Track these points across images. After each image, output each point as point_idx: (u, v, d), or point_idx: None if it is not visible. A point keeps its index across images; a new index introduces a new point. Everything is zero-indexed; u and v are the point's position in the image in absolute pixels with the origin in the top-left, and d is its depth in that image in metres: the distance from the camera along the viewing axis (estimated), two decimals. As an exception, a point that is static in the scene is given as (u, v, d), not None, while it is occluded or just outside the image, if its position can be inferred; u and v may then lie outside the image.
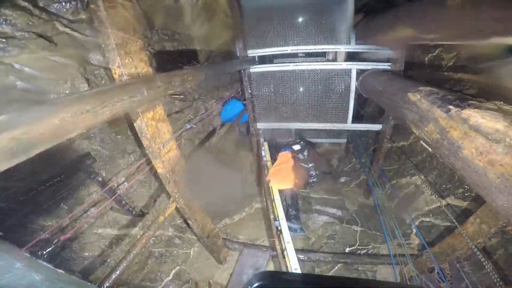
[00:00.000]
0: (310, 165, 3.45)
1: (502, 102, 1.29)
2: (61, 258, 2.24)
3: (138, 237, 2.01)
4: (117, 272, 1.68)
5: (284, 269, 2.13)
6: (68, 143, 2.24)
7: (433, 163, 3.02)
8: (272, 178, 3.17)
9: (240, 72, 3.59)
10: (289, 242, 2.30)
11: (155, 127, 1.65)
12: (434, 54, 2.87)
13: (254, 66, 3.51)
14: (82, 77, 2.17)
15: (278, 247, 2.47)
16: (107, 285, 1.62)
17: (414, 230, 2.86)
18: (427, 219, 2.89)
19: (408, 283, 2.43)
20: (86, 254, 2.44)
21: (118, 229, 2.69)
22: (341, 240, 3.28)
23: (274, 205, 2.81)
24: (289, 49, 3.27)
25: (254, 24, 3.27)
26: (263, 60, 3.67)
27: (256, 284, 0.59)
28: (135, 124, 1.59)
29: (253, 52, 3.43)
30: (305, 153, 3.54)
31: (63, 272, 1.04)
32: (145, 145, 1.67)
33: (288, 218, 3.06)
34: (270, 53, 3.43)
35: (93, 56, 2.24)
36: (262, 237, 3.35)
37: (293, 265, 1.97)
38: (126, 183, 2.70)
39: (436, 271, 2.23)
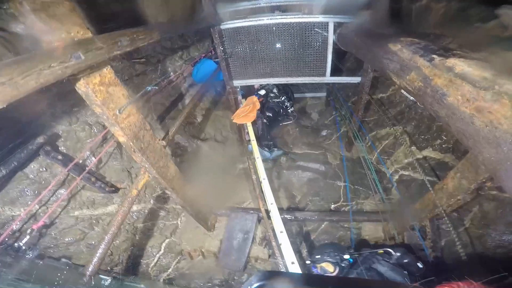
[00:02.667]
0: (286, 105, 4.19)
1: (488, 53, 1.21)
2: (43, 246, 2.14)
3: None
4: (98, 254, 1.62)
5: (270, 231, 2.15)
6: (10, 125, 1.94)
7: (411, 113, 3.03)
8: (236, 118, 3.77)
9: (210, 29, 3.25)
10: (273, 203, 2.29)
11: (106, 92, 1.44)
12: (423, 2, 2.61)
13: (226, 22, 3.22)
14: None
15: (263, 209, 2.48)
16: (91, 268, 1.57)
17: (394, 185, 2.89)
18: (407, 173, 2.91)
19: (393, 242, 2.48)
20: (68, 239, 2.34)
21: (95, 208, 2.56)
22: (325, 196, 3.35)
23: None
24: (263, 2, 3.11)
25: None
26: (235, 15, 3.33)
27: (256, 284, 0.59)
28: (80, 92, 1.37)
29: (223, 8, 3.10)
30: (268, 98, 4.14)
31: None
32: (98, 113, 1.46)
33: (261, 146, 3.78)
34: (241, 8, 3.19)
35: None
36: (248, 199, 3.39)
37: (278, 228, 1.96)
38: (93, 157, 2.47)
39: (416, 229, 2.19)
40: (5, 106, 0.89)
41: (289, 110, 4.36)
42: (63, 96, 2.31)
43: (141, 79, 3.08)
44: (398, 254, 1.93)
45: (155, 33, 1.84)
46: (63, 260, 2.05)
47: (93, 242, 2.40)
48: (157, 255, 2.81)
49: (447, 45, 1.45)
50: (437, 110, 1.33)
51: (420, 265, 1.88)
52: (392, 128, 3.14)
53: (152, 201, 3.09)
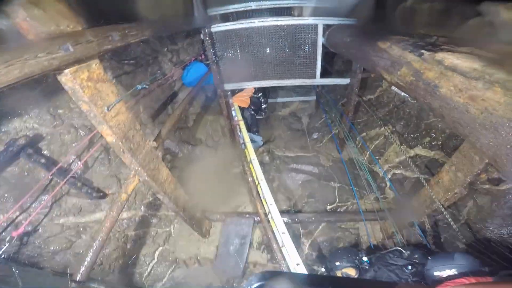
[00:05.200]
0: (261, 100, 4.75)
1: (473, 48, 1.26)
2: (25, 256, 1.99)
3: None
4: (86, 262, 1.53)
5: (270, 234, 2.11)
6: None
7: (399, 113, 3.11)
8: (235, 100, 4.26)
9: (200, 32, 3.25)
10: (272, 204, 2.26)
11: (94, 88, 1.38)
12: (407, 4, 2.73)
13: (216, 25, 3.22)
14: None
15: (260, 212, 2.44)
16: (79, 277, 1.48)
17: (388, 184, 2.92)
18: (399, 171, 2.96)
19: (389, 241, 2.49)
20: (53, 248, 2.19)
21: (82, 215, 2.42)
22: (321, 198, 3.33)
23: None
24: (254, 5, 3.09)
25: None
26: (226, 18, 3.42)
27: (256, 284, 0.60)
28: (66, 88, 1.31)
29: (214, 11, 3.14)
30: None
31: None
32: (85, 111, 1.39)
33: (252, 132, 4.17)
34: (233, 10, 3.18)
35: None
36: (243, 204, 3.33)
37: (280, 229, 1.92)
38: (78, 161, 2.36)
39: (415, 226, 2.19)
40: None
41: (262, 106, 4.83)
42: (47, 96, 2.21)
43: (130, 79, 3.00)
44: (408, 252, 1.92)
45: (147, 30, 1.81)
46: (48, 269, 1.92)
47: (81, 251, 2.27)
48: (151, 264, 2.68)
49: (434, 41, 1.51)
50: (430, 102, 1.36)
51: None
52: (382, 128, 3.21)
53: (143, 208, 2.97)
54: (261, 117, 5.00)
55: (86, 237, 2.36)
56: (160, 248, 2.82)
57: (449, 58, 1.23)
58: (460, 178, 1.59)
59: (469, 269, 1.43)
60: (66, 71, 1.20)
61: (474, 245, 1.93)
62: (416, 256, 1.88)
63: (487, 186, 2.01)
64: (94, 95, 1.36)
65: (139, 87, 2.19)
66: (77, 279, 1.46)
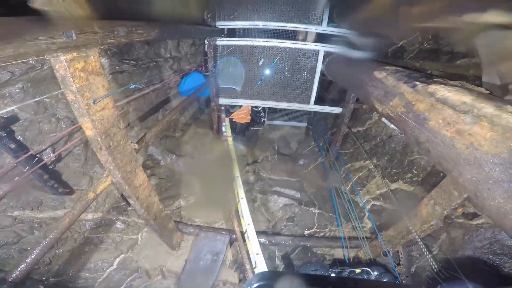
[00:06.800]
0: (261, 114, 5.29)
1: (464, 82, 1.33)
2: None
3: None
4: (29, 260, 1.33)
5: (244, 253, 2.00)
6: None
7: (385, 148, 3.20)
8: (235, 117, 4.60)
9: (205, 43, 3.33)
10: (250, 223, 2.17)
11: (85, 79, 1.31)
12: (398, 45, 2.97)
13: (222, 39, 3.30)
14: None
15: (237, 230, 2.33)
16: (16, 274, 1.28)
17: (367, 214, 2.97)
18: (378, 203, 3.02)
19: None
20: (-2, 241, 1.95)
21: (41, 211, 2.20)
22: (300, 222, 3.29)
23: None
24: (261, 24, 3.16)
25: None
26: (232, 33, 3.49)
27: (256, 284, 0.60)
28: (57, 74, 1.24)
29: (223, 24, 3.22)
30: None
31: None
32: (69, 100, 1.31)
33: (236, 139, 4.40)
34: (240, 27, 3.27)
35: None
36: (221, 221, 3.17)
37: (255, 249, 1.83)
38: (51, 153, 2.19)
39: (389, 255, 2.22)
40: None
41: (262, 120, 5.37)
42: (36, 81, 2.09)
43: (126, 79, 2.95)
44: (376, 273, 1.98)
45: (154, 31, 1.80)
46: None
47: (29, 248, 2.02)
48: (108, 270, 2.43)
49: (429, 74, 1.58)
50: (418, 135, 1.39)
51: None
52: (367, 161, 3.27)
53: (111, 212, 2.76)
54: (260, 128, 5.40)
55: (39, 233, 2.14)
56: (122, 255, 2.59)
57: (441, 91, 1.26)
58: (437, 211, 1.63)
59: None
60: (62, 58, 1.14)
61: (444, 275, 1.96)
62: (385, 280, 1.95)
63: (461, 220, 2.10)
64: (83, 86, 1.30)
65: (133, 85, 2.14)
66: (13, 276, 1.27)
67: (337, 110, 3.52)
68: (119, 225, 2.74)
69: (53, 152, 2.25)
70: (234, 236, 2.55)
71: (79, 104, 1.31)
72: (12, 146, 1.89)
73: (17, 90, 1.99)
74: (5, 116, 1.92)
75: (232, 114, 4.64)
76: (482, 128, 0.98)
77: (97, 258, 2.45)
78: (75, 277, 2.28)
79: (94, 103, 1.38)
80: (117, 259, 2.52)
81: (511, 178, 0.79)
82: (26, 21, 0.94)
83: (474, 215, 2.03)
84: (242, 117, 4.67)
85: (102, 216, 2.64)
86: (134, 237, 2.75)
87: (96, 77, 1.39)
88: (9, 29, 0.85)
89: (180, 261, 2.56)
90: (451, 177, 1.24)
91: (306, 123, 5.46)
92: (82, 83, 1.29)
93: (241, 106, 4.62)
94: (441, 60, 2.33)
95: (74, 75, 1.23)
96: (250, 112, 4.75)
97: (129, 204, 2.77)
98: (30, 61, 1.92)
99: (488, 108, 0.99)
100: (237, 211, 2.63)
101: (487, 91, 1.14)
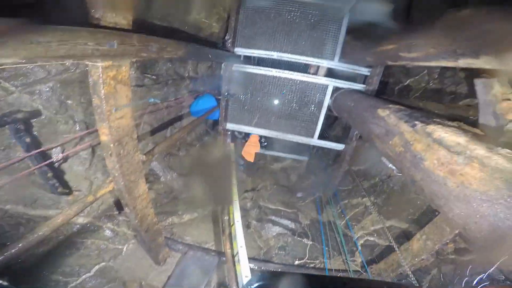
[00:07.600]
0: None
1: (461, 123, 1.42)
2: None
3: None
4: (8, 254, 1.31)
5: (232, 275, 1.94)
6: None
7: (383, 187, 3.24)
8: (244, 154, 4.65)
9: (221, 67, 3.53)
10: (242, 246, 2.13)
11: (113, 87, 1.43)
12: (405, 84, 3.17)
13: (238, 65, 3.48)
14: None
15: (228, 251, 2.28)
16: None
17: (358, 249, 2.96)
18: (372, 238, 3.02)
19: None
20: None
21: (34, 208, 2.19)
22: (291, 252, 3.22)
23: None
24: (276, 55, 3.35)
25: (248, 23, 3.31)
26: (247, 60, 3.66)
27: (256, 284, 0.60)
28: (90, 79, 1.36)
29: (241, 51, 3.42)
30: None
31: None
32: (94, 105, 1.42)
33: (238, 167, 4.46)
34: (256, 55, 3.47)
35: None
36: (211, 242, 3.09)
37: (244, 272, 1.79)
38: (60, 153, 2.24)
39: None
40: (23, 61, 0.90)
41: (264, 144, 5.43)
42: (65, 83, 2.24)
43: (144, 92, 3.11)
44: None
45: (181, 51, 1.96)
46: None
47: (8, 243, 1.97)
48: (84, 276, 2.30)
49: (429, 113, 1.64)
50: (413, 174, 1.44)
51: None
52: (364, 199, 3.29)
53: (103, 218, 2.72)
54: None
55: (25, 230, 2.08)
56: (103, 264, 2.47)
57: (438, 131, 1.33)
58: (429, 245, 1.68)
59: None
60: (99, 64, 1.27)
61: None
62: None
63: (453, 256, 2.08)
64: (109, 93, 1.41)
65: (152, 100, 2.28)
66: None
67: (339, 146, 3.59)
68: (107, 232, 2.67)
69: (62, 152, 2.32)
70: (224, 258, 2.47)
71: (102, 109, 1.42)
72: (28, 140, 1.96)
73: (47, 89, 2.13)
74: (30, 110, 2.03)
75: (242, 151, 4.66)
76: (472, 168, 1.05)
77: (75, 263, 2.34)
78: (46, 279, 2.16)
79: (115, 110, 1.48)
80: (96, 267, 2.41)
81: (496, 213, 0.83)
82: (85, 30, 1.08)
83: (466, 251, 2.02)
84: (250, 153, 4.67)
85: (92, 221, 2.60)
86: (120, 247, 2.67)
87: (123, 87, 1.52)
88: (64, 34, 0.97)
89: (162, 277, 2.46)
90: (443, 213, 1.28)
91: (307, 158, 5.53)
92: (110, 90, 1.42)
93: (247, 133, 4.69)
94: (444, 100, 2.48)
95: (105, 81, 1.36)
96: (259, 140, 4.75)
97: (120, 213, 2.76)
98: (66, 63, 2.07)
99: (480, 150, 1.06)
100: (230, 234, 2.59)
101: (482, 133, 1.23)
